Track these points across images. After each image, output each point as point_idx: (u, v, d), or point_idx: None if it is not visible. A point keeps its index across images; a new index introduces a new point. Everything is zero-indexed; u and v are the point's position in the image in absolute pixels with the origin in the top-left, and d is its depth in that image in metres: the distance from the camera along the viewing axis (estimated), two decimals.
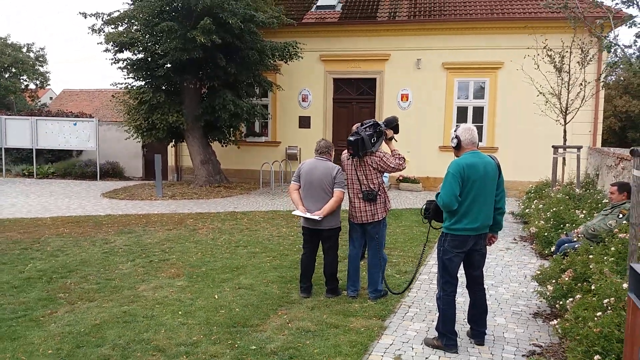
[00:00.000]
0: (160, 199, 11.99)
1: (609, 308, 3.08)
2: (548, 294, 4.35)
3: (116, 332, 4.25)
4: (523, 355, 3.87)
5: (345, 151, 5.17)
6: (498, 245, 7.51)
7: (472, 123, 14.01)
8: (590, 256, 4.21)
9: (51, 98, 41.71)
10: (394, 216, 9.70)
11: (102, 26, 12.45)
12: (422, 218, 4.36)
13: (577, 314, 3.31)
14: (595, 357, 2.79)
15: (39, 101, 39.74)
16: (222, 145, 14.50)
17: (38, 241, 7.50)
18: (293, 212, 5.29)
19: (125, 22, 12.58)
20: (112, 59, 12.68)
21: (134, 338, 4.14)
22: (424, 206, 4.32)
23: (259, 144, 15.81)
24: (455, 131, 4.08)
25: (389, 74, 14.61)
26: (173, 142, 14.64)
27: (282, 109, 15.63)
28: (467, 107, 14.19)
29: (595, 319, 3.08)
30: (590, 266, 3.93)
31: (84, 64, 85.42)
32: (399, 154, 5.09)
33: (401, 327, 4.45)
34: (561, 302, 4.00)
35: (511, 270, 6.29)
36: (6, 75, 36.53)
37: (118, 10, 12.55)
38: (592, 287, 3.51)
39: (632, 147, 3.46)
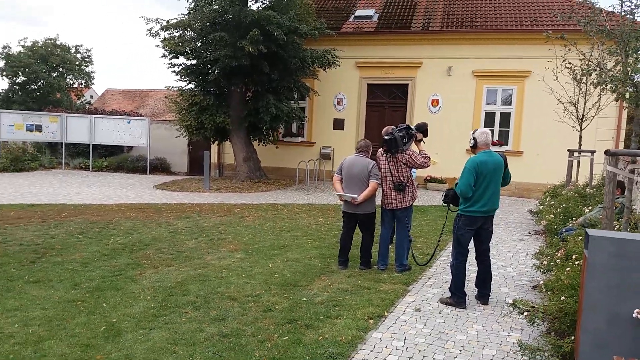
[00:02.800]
0: (207, 192, 13.26)
1: (576, 264, 4.03)
2: (542, 267, 5.29)
3: (196, 287, 5.41)
4: (519, 312, 4.83)
5: (381, 149, 6.21)
6: (512, 237, 8.41)
7: (500, 128, 14.86)
8: (580, 238, 5.11)
9: (91, 97, 43.99)
10: (420, 211, 10.65)
11: (159, 31, 13.84)
12: (442, 202, 5.37)
13: (557, 276, 4.27)
14: (562, 298, 3.77)
15: (84, 99, 42.17)
16: (263, 145, 15.72)
17: (111, 222, 8.79)
18: (336, 194, 6.33)
19: (181, 29, 13.94)
20: (168, 64, 14.07)
21: (211, 291, 5.28)
22: (444, 193, 5.33)
23: (296, 143, 16.98)
24: (473, 133, 5.10)
25: (421, 80, 15.55)
26: (218, 141, 15.94)
27: (318, 112, 16.76)
28: (494, 113, 14.99)
29: (566, 273, 4.03)
30: (575, 247, 4.84)
31: (127, 65, 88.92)
32: (426, 154, 6.12)
33: (421, 291, 5.47)
34: (552, 272, 4.93)
35: (520, 255, 7.21)
36: (54, 75, 38.98)
37: (175, 18, 13.94)
38: (573, 258, 4.44)
39: (607, 149, 4.38)
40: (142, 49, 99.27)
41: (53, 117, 17.27)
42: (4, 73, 37.41)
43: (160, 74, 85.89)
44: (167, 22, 13.84)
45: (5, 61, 37.11)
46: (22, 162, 16.30)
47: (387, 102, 16.22)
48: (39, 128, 16.91)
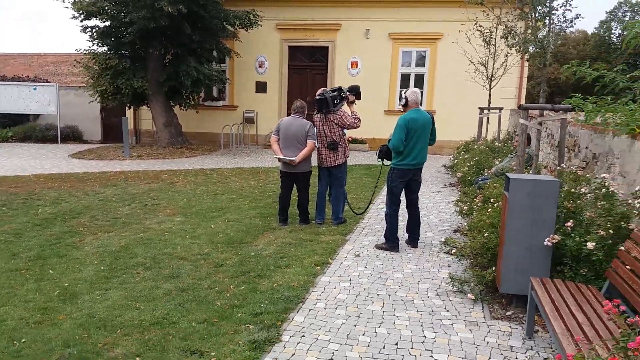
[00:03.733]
0: (128, 159, 12.85)
1: (495, 206, 4.68)
2: (463, 212, 5.98)
3: (142, 250, 5.48)
4: (444, 252, 5.48)
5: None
6: (431, 189, 9.20)
7: (414, 89, 15.69)
8: (495, 185, 5.82)
9: None
10: None
11: None
12: (377, 157, 5.82)
13: (478, 217, 4.91)
14: (485, 234, 4.41)
15: None
16: (183, 109, 15.34)
17: (34, 193, 8.39)
18: (275, 156, 6.58)
19: None
20: (80, 26, 13.17)
21: (158, 252, 5.39)
22: (378, 149, 5.78)
23: (218, 108, 16.76)
24: (404, 93, 5.53)
25: (341, 43, 15.88)
26: (134, 107, 15.31)
27: (239, 75, 16.58)
28: (409, 75, 15.77)
29: (487, 214, 4.68)
30: (493, 192, 5.53)
31: (18, 27, 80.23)
32: (357, 115, 6.50)
33: (358, 240, 5.97)
34: (472, 216, 5.61)
35: (440, 204, 7.98)
36: None
37: None
38: (492, 201, 5.10)
39: (521, 103, 5.02)
40: (37, 9, 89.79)
41: None
42: None
43: (60, 37, 78.43)
44: None
45: None
46: None
47: (309, 65, 16.42)
48: None
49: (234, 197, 8.37)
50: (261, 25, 14.89)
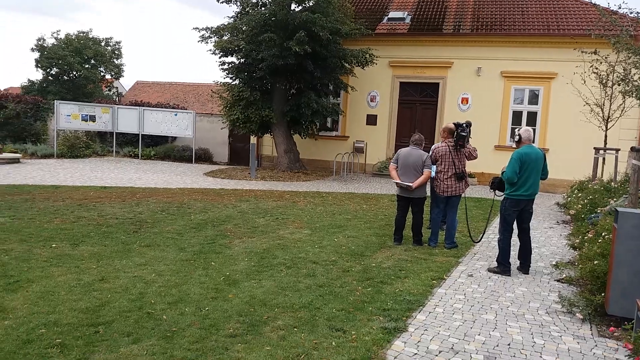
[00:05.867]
0: (254, 180, 14.38)
1: (605, 237, 5.01)
2: (575, 245, 6.27)
3: (280, 253, 6.50)
4: (555, 280, 5.83)
5: (440, 143, 7.18)
6: (543, 225, 9.37)
7: (526, 126, 15.74)
8: (608, 220, 6.07)
9: (117, 88, 45.39)
10: None
11: (211, 35, 14.99)
12: (489, 188, 6.38)
13: (590, 248, 5.26)
14: (595, 262, 4.78)
15: (116, 89, 43.79)
16: (302, 138, 16.79)
17: (184, 203, 9.94)
18: (393, 181, 7.35)
19: (229, 32, 15.06)
20: (219, 62, 15.24)
21: (294, 256, 6.37)
22: (490, 180, 6.34)
23: (331, 137, 18.04)
24: (518, 131, 6.08)
25: (451, 79, 16.47)
26: (260, 134, 17.06)
27: (351, 107, 17.78)
28: (521, 112, 15.86)
29: (597, 244, 5.03)
30: (605, 226, 5.81)
31: (152, 59, 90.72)
32: (475, 148, 7.13)
33: (470, 262, 6.50)
34: (584, 248, 5.91)
35: (552, 239, 8.19)
36: (87, 66, 40.47)
37: (223, 24, 15.09)
38: (603, 234, 5.41)
39: (632, 146, 5.35)
40: (168, 44, 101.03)
41: (105, 108, 18.56)
42: (39, 65, 38.93)
43: (186, 69, 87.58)
44: (217, 27, 15.02)
45: (40, 53, 38.58)
46: (77, 149, 17.63)
47: (419, 99, 17.17)
48: (92, 118, 18.21)
49: (350, 218, 9.25)
50: (376, 63, 15.99)
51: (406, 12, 17.79)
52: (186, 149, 18.79)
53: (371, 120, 17.69)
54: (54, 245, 6.42)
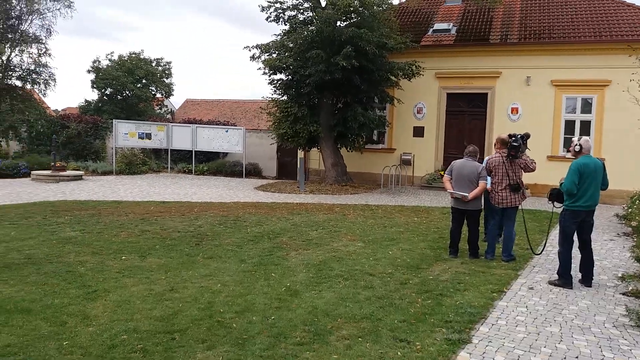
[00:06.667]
0: (303, 193, 14.64)
1: None
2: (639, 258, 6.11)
3: (337, 265, 6.64)
4: (621, 293, 5.68)
5: (494, 154, 7.18)
6: (603, 237, 9.11)
7: (580, 135, 15.30)
8: None
9: (166, 106, 47.11)
10: None
11: (260, 54, 15.50)
12: (547, 200, 6.31)
13: None
14: None
15: (167, 108, 45.51)
16: (349, 151, 16.96)
17: (240, 216, 10.27)
18: (448, 191, 7.36)
19: (277, 50, 15.51)
20: (268, 80, 15.72)
21: (350, 268, 6.50)
22: (549, 192, 6.27)
23: (377, 150, 18.10)
24: (578, 141, 6.00)
25: (500, 89, 16.26)
26: (307, 148, 17.37)
27: (398, 120, 17.81)
28: (574, 121, 15.44)
29: None
30: None
31: (199, 77, 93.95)
32: (533, 160, 7.05)
33: (530, 275, 6.43)
34: None
35: (614, 252, 7.95)
36: (138, 86, 42.31)
37: (272, 41, 15.54)
38: None
39: None
40: (212, 62, 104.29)
41: (160, 127, 19.42)
42: (95, 85, 40.98)
43: (231, 87, 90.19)
44: (266, 44, 15.48)
45: (95, 74, 40.63)
46: (135, 166, 18.50)
47: (467, 110, 17.01)
48: (148, 136, 19.08)
49: (402, 231, 9.29)
50: (423, 75, 16.01)
51: (451, 24, 17.75)
52: (237, 164, 19.35)
53: (418, 132, 17.65)
54: (123, 258, 6.82)
